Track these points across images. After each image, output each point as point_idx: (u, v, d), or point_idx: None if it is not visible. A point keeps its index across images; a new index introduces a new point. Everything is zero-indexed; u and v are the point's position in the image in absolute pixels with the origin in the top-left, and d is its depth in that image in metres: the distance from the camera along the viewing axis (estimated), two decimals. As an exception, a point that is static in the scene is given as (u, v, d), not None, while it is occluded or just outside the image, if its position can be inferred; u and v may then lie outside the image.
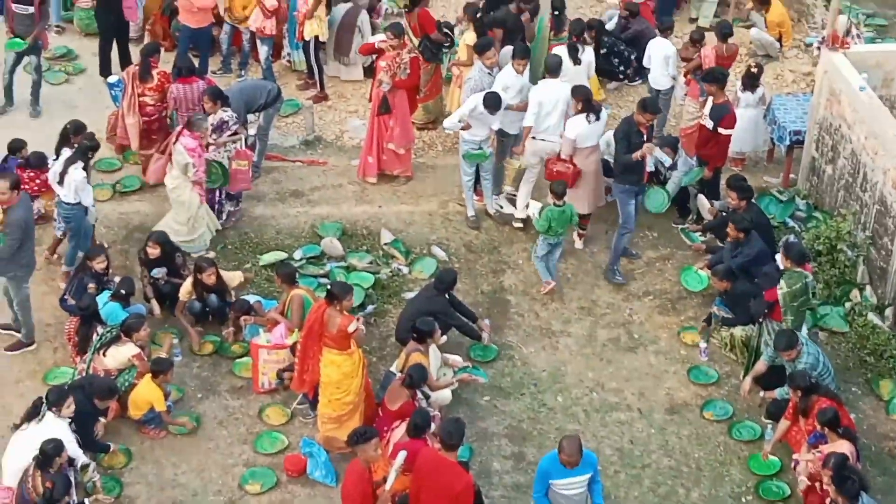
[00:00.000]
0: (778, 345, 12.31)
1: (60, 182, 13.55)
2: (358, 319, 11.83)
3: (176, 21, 17.48)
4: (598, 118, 14.43)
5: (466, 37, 16.23)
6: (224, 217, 14.87)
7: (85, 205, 13.69)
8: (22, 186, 12.99)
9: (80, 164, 13.58)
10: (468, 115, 14.54)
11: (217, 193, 14.75)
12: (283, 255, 14.48)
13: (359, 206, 15.55)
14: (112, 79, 16.23)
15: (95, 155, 14.06)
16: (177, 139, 14.11)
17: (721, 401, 13.07)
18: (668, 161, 15.10)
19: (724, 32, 16.39)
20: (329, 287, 12.34)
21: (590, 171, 14.57)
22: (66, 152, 13.78)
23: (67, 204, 13.62)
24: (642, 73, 17.18)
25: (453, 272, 13.50)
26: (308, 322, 12.04)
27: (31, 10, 16.09)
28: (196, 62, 16.37)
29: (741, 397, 12.87)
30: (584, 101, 14.40)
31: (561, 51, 15.61)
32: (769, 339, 12.72)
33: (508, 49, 15.47)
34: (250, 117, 15.24)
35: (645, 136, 14.08)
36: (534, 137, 14.83)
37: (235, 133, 14.67)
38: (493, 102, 14.40)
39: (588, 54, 15.94)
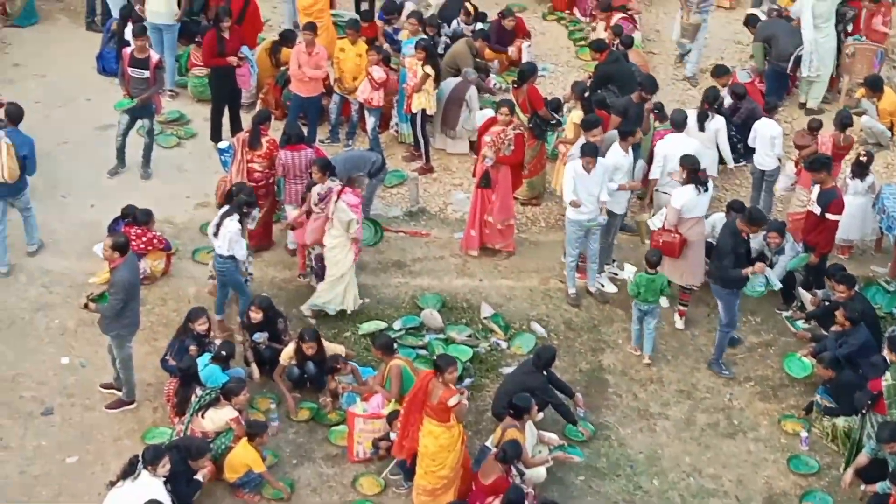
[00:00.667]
0: (881, 437, 12.05)
1: (216, 234, 13.82)
2: (462, 393, 11.82)
3: (287, 90, 17.73)
4: (706, 190, 14.44)
5: (574, 115, 16.26)
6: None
7: (238, 258, 13.92)
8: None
9: (236, 216, 13.80)
10: (573, 185, 14.57)
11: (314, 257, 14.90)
12: (382, 325, 14.53)
13: (460, 278, 15.57)
14: (223, 144, 16.50)
15: (252, 211, 14.23)
16: (338, 197, 14.31)
17: (821, 492, 12.80)
18: (777, 284, 14.82)
19: (843, 122, 16.29)
20: (435, 358, 12.38)
21: (692, 243, 14.56)
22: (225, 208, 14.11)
23: (221, 257, 13.88)
24: (748, 153, 17.08)
25: (552, 349, 13.41)
26: (413, 389, 12.05)
27: (147, 74, 16.42)
28: (305, 130, 16.57)
29: (842, 490, 12.58)
30: (691, 171, 14.44)
31: (689, 113, 15.80)
32: (872, 431, 12.46)
33: (613, 131, 15.49)
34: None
35: (750, 244, 14.06)
36: (657, 190, 15.07)
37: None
38: (590, 151, 14.48)
39: (716, 122, 16.05)
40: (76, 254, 15.43)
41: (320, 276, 14.72)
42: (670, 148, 15.20)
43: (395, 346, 13.50)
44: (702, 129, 15.97)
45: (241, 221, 13.84)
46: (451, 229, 16.45)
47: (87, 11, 20.12)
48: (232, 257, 13.85)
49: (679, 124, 15.48)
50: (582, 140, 15.11)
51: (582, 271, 15.42)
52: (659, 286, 14.15)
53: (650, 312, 14.26)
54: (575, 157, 14.96)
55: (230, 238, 13.73)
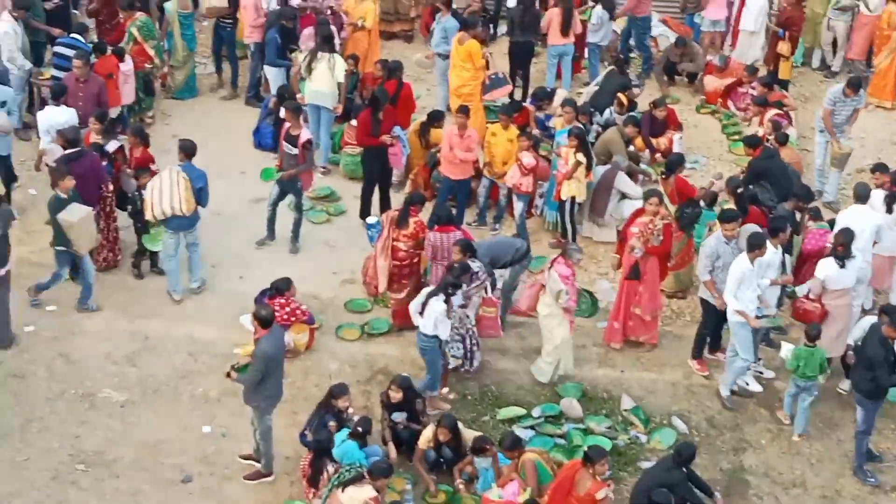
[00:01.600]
0: None
1: (421, 313, 13.97)
2: (608, 486, 11.67)
3: (437, 171, 17.86)
4: (845, 265, 14.45)
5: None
6: (475, 365, 14.98)
7: (441, 338, 14.03)
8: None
9: (442, 296, 13.92)
10: (738, 282, 14.41)
11: (468, 340, 14.89)
12: (521, 412, 14.45)
13: (601, 368, 15.43)
14: (371, 219, 16.67)
15: (457, 292, 14.35)
16: (551, 266, 14.50)
17: None
18: None
19: None
20: (586, 450, 12.33)
21: (835, 316, 14.44)
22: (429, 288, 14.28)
23: (425, 335, 14.02)
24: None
25: (693, 446, 13.16)
26: (559, 479, 12.00)
27: (297, 151, 16.71)
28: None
29: None
30: (838, 245, 14.49)
31: (877, 195, 15.70)
32: None
33: (750, 227, 15.24)
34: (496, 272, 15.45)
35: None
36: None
37: (482, 283, 14.84)
38: (756, 241, 14.33)
39: None
40: (223, 323, 15.66)
41: (470, 360, 14.79)
42: (852, 220, 15.09)
43: (525, 440, 13.54)
44: (889, 210, 15.70)
45: (446, 301, 13.93)
46: (594, 319, 16.32)
47: (249, 86, 20.56)
48: (436, 336, 14.01)
49: (863, 196, 15.44)
50: (719, 234, 14.92)
51: (704, 364, 15.28)
52: (819, 360, 13.98)
53: (807, 389, 14.10)
54: (708, 248, 14.86)
55: (436, 318, 13.86)
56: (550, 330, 14.71)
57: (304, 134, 16.73)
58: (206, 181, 15.76)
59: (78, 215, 15.17)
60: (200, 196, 15.68)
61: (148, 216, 15.68)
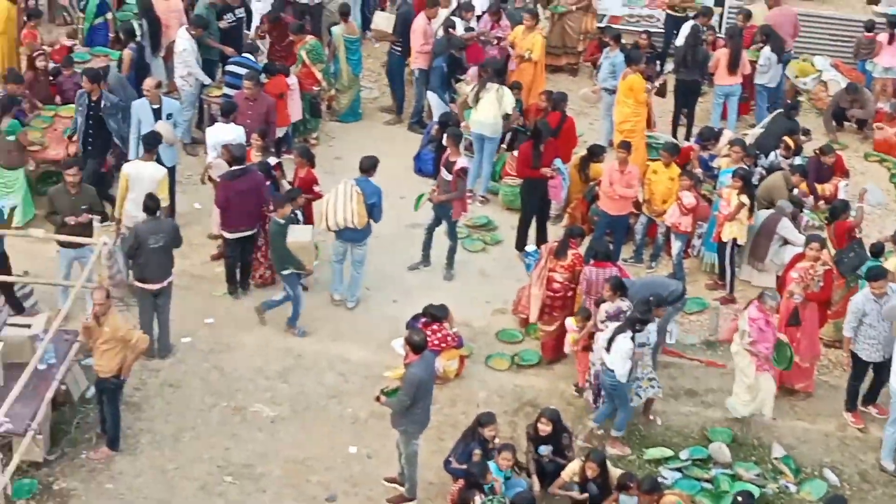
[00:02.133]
0: None
1: (608, 349, 13.98)
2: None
3: (595, 206, 17.77)
4: None
5: (891, 261, 15.69)
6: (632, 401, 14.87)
7: (618, 376, 13.96)
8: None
9: (629, 333, 13.94)
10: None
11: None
12: (668, 453, 14.24)
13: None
14: (530, 248, 16.69)
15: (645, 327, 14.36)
16: (748, 305, 14.55)
17: None
18: None
19: None
20: (737, 496, 12.27)
21: None
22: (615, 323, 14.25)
23: (611, 370, 14.00)
24: None
25: (844, 500, 12.88)
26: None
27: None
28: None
29: None
30: None
31: None
32: None
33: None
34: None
35: None
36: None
37: None
38: (878, 272, 14.18)
39: None
40: (375, 346, 15.77)
41: (597, 393, 14.67)
42: None
43: (670, 482, 13.46)
44: None
45: (633, 339, 13.89)
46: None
47: (413, 112, 20.74)
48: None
49: None
50: (867, 290, 14.57)
51: (859, 417, 14.95)
52: None
53: None
54: (854, 305, 14.59)
55: (622, 355, 13.82)
56: (742, 368, 14.55)
57: (461, 162, 16.81)
58: (379, 197, 16.05)
59: (306, 236, 15.64)
60: (373, 211, 15.95)
61: (321, 227, 16.06)
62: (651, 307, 14.18)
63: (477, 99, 18.65)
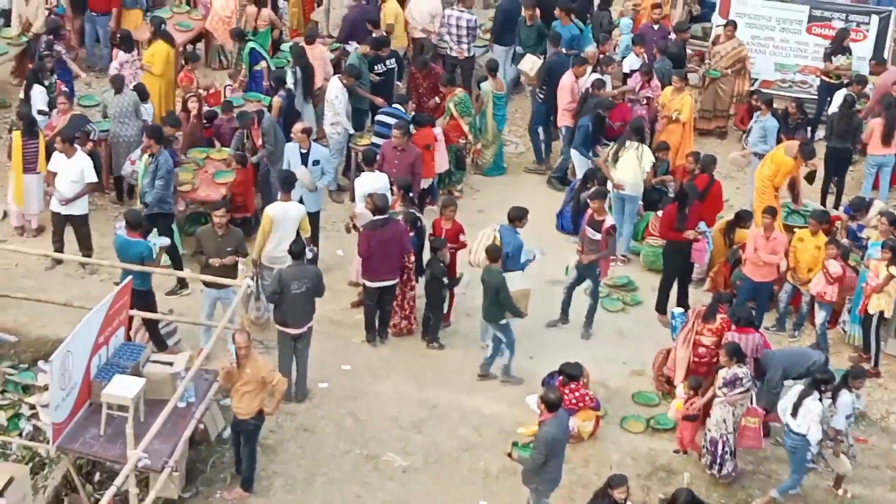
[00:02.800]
0: None
1: (794, 413, 13.90)
2: None
3: (738, 271, 17.52)
4: None
5: None
6: (725, 472, 14.62)
7: (811, 440, 13.91)
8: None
9: (817, 395, 13.82)
10: None
11: (720, 447, 14.53)
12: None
13: (892, 492, 14.74)
14: (678, 310, 16.53)
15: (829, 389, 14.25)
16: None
17: None
18: None
19: None
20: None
21: None
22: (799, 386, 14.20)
23: (796, 434, 13.91)
24: None
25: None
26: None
27: (599, 236, 16.68)
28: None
29: None
30: None
31: None
32: None
33: None
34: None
35: None
36: None
37: (747, 391, 14.50)
38: None
39: None
40: (509, 400, 15.75)
41: (720, 466, 14.43)
42: None
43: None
44: None
45: (820, 401, 13.78)
46: (890, 440, 15.64)
47: (556, 168, 20.72)
48: (805, 436, 13.88)
49: None
50: None
51: None
52: None
53: None
54: None
55: (811, 419, 13.71)
56: None
57: (609, 220, 16.75)
58: (516, 249, 16.16)
59: (525, 282, 15.89)
60: (506, 261, 15.95)
61: (470, 259, 16.44)
62: (826, 378, 14.02)
63: (616, 157, 18.58)
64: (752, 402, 14.61)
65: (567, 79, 20.14)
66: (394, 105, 19.34)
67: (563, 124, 20.43)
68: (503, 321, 15.78)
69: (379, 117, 19.35)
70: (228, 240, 15.68)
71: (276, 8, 21.97)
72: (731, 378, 14.36)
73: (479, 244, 16.29)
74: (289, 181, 16.55)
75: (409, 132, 18.18)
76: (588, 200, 17.14)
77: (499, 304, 15.68)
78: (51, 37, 20.14)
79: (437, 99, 20.25)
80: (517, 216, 16.38)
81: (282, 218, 16.16)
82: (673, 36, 22.33)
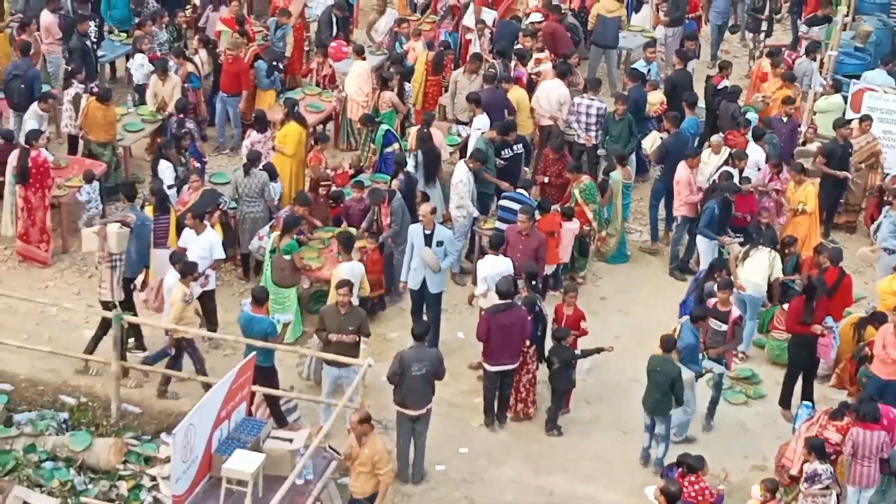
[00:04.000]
0: None
1: None
2: None
3: (865, 367, 17.14)
4: None
5: None
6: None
7: None
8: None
9: None
10: None
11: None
12: None
13: None
14: (806, 403, 16.27)
15: None
16: None
17: None
18: None
19: None
20: None
21: None
22: None
23: None
24: None
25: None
26: None
27: (725, 327, 16.50)
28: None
29: None
30: None
31: None
32: None
33: None
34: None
35: None
36: None
37: (827, 488, 14.30)
38: None
39: None
40: (627, 490, 15.63)
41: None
42: None
43: None
44: None
45: None
46: None
47: (673, 257, 20.55)
48: None
49: None
50: None
51: None
52: None
53: None
54: None
55: None
56: None
57: (735, 311, 16.57)
58: (689, 348, 15.99)
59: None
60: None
61: None
62: None
63: (746, 256, 18.35)
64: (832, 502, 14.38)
65: (683, 171, 19.98)
66: (518, 190, 19.39)
67: (678, 214, 20.28)
68: (669, 412, 15.70)
69: (503, 202, 19.40)
70: (351, 318, 15.80)
71: (403, 91, 22.24)
72: (811, 474, 14.21)
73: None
74: (350, 242, 17.09)
75: (535, 217, 18.20)
76: (715, 290, 16.97)
77: (669, 396, 15.57)
78: (181, 115, 20.61)
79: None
80: (700, 316, 16.32)
81: (349, 276, 16.53)
82: (803, 128, 22.16)
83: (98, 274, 17.13)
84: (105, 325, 16.71)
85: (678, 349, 15.84)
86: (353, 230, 18.42)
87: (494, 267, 17.17)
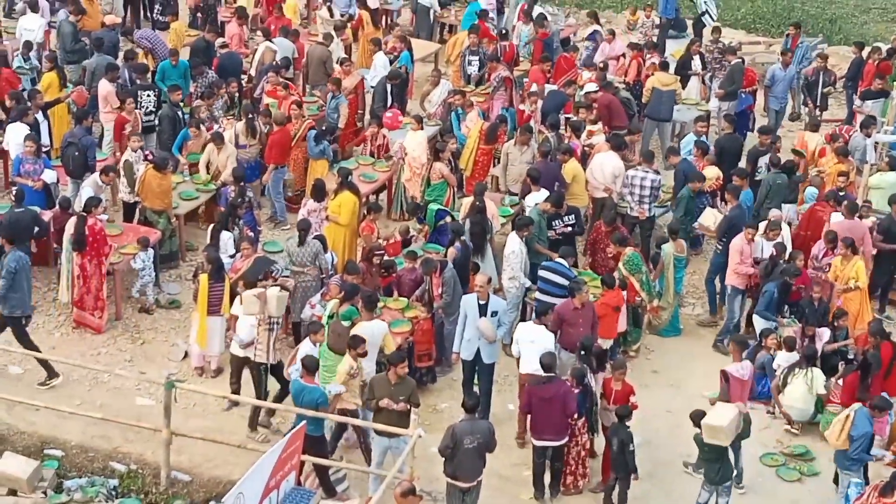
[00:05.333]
0: None
1: None
2: None
3: (920, 445, 16.98)
4: None
5: None
6: None
7: None
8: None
9: None
10: None
11: None
12: None
13: None
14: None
15: None
16: None
17: None
18: None
19: None
20: None
21: None
22: None
23: None
24: None
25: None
26: None
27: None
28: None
29: None
30: None
31: None
32: None
33: None
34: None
35: None
36: None
37: None
38: None
39: None
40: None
41: None
42: None
43: None
44: None
45: None
46: None
47: (722, 331, 20.39)
48: None
49: None
50: None
51: None
52: None
53: None
54: None
55: None
56: None
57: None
58: (863, 436, 15.91)
59: (726, 418, 15.71)
60: None
61: None
62: None
63: (785, 383, 18.11)
64: None
65: (738, 240, 19.91)
66: (557, 259, 19.28)
67: (729, 283, 20.13)
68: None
69: (542, 273, 19.15)
70: (401, 388, 15.77)
71: (455, 164, 22.35)
72: None
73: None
74: (373, 301, 17.18)
75: (584, 290, 18.10)
76: (767, 364, 16.85)
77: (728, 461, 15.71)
78: (243, 183, 20.78)
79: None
80: (882, 406, 16.29)
81: (370, 336, 16.56)
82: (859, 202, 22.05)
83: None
84: (283, 386, 17.06)
85: (852, 436, 15.80)
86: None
87: (529, 334, 17.22)
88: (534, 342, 17.08)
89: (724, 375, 17.24)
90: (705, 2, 29.77)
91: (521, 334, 17.44)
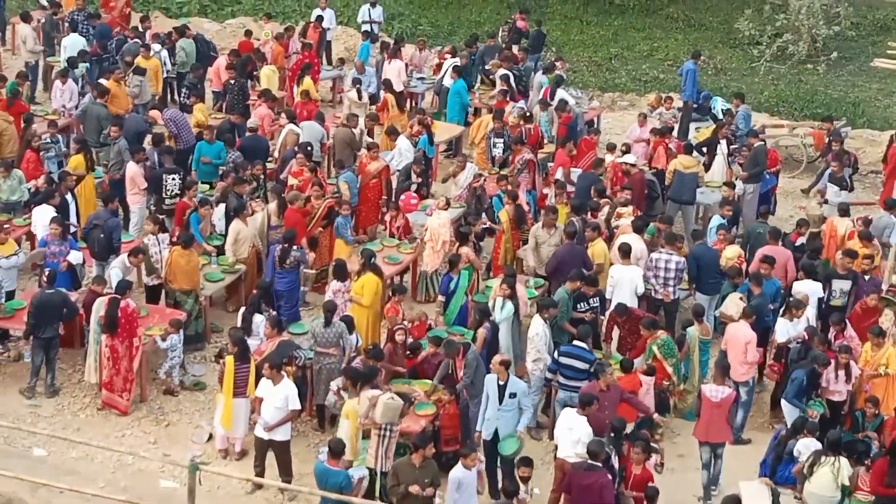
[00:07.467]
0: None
1: None
2: None
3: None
4: None
5: None
6: None
7: None
8: None
9: None
10: None
11: None
12: None
13: None
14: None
15: None
16: None
17: None
18: None
19: None
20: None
21: None
22: None
23: None
24: None
25: None
26: None
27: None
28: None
29: None
30: None
31: None
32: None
33: None
34: None
35: None
36: None
37: None
38: None
39: None
40: None
41: None
42: None
43: None
44: None
45: None
46: None
47: (737, 429, 20.22)
48: None
49: None
50: None
51: None
52: None
53: None
54: None
55: None
56: None
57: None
58: None
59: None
60: None
61: None
62: None
63: (811, 471, 17.84)
64: None
65: (750, 332, 19.80)
66: (576, 342, 19.20)
67: (735, 378, 19.75)
68: None
69: (562, 359, 19.00)
70: (426, 472, 15.70)
71: (479, 248, 22.43)
72: None
73: None
74: (373, 374, 17.42)
75: (606, 373, 18.03)
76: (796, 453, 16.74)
77: None
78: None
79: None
80: None
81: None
82: (884, 286, 21.96)
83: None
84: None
85: None
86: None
87: (568, 421, 17.24)
88: (571, 430, 17.04)
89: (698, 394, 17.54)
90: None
91: (562, 420, 17.45)
